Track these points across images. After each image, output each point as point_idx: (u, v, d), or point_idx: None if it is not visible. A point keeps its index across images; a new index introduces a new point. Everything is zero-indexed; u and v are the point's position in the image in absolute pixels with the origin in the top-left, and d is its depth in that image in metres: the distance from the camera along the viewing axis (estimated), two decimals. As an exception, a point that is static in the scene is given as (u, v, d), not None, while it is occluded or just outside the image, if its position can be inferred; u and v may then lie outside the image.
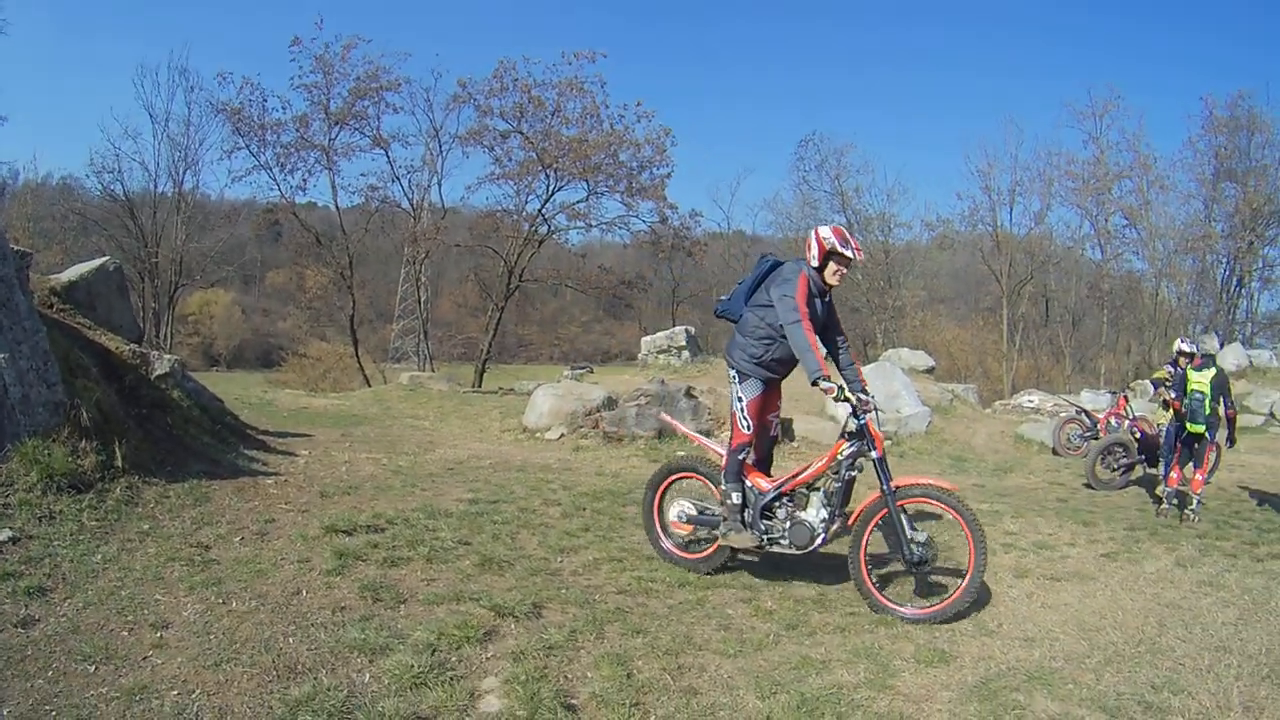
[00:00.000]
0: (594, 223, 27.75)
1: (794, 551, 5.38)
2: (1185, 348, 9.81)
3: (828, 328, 5.48)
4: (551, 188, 26.38)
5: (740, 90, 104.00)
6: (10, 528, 5.12)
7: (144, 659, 3.92)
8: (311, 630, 4.31)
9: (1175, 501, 8.80)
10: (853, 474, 5.26)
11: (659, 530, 6.06)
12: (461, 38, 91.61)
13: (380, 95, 26.32)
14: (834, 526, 5.29)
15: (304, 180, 26.83)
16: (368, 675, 3.89)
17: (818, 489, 5.39)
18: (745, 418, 5.46)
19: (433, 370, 27.35)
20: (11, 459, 5.68)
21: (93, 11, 74.27)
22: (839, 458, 5.24)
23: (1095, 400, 17.70)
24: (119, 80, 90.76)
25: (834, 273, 5.35)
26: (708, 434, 10.91)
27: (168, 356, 9.54)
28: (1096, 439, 11.89)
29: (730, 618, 4.94)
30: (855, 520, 5.26)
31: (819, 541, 5.30)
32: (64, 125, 74.76)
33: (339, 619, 4.47)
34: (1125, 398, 12.94)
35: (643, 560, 5.96)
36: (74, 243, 31.53)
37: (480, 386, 24.09)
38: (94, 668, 3.77)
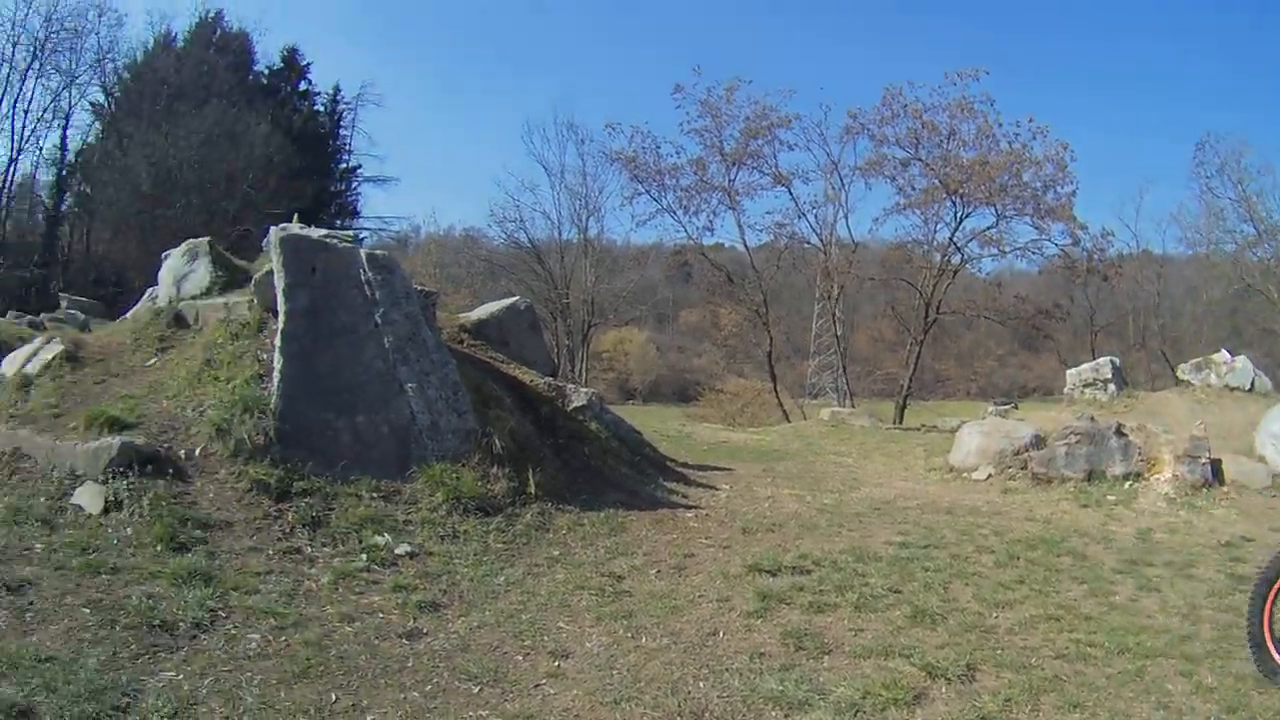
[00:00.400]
0: (1007, 249, 26.36)
1: None
2: None
3: None
4: (959, 214, 25.77)
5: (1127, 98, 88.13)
6: (409, 543, 5.62)
7: (535, 686, 3.87)
8: (725, 676, 4.10)
9: None
10: None
11: (1271, 647, 4.69)
12: (834, 68, 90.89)
13: (773, 133, 27.32)
14: None
15: (709, 221, 28.61)
16: (781, 730, 3.47)
17: None
18: None
19: (852, 406, 27.15)
20: (417, 480, 6.34)
21: (466, 78, 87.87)
22: None
23: None
24: (505, 138, 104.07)
25: None
26: (1137, 476, 9.87)
27: (584, 390, 10.23)
28: None
29: (1170, 695, 4.51)
30: None
31: None
32: (455, 183, 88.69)
33: (756, 666, 4.25)
34: None
35: (1080, 620, 5.53)
36: (482, 286, 36.48)
37: (901, 423, 23.50)
38: (478, 688, 3.77)
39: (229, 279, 8.82)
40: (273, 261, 6.98)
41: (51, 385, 7.25)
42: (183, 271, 8.95)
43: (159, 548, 5.08)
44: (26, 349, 8.17)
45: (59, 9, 34.26)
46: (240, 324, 7.47)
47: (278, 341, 6.62)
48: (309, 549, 5.39)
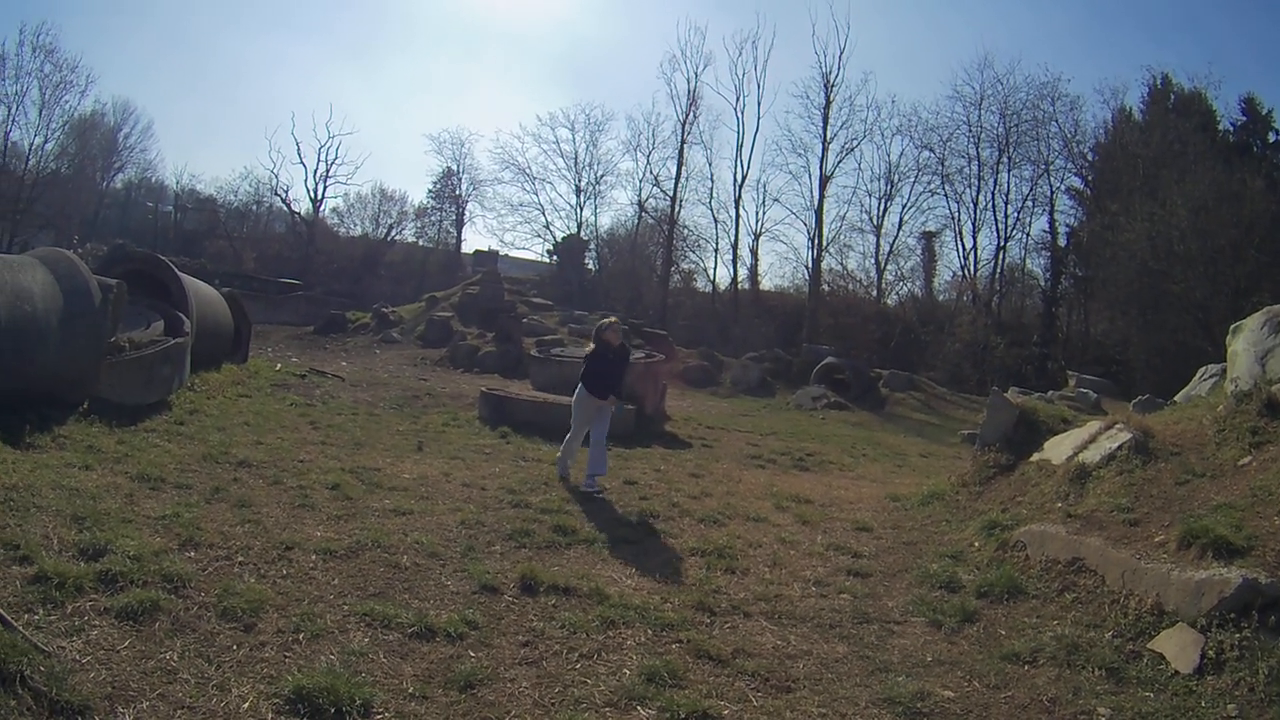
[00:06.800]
0: None
1: None
2: None
3: None
4: None
5: None
6: None
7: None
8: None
9: None
10: None
11: None
12: None
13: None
14: None
15: None
16: None
17: None
18: None
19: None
20: None
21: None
22: None
23: None
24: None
25: None
26: None
27: None
28: None
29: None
30: None
31: None
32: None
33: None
34: None
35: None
36: None
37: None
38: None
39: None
40: None
41: (1119, 481, 6.17)
42: (1266, 346, 7.05)
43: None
44: (1077, 433, 7.37)
45: (1011, 104, 37.54)
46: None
47: None
48: None
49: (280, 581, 4.88)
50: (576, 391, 8.40)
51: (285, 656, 3.95)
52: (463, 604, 4.85)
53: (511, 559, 5.75)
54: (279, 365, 16.88)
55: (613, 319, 8.83)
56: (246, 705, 3.45)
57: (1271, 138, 35.30)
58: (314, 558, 5.33)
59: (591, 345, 8.55)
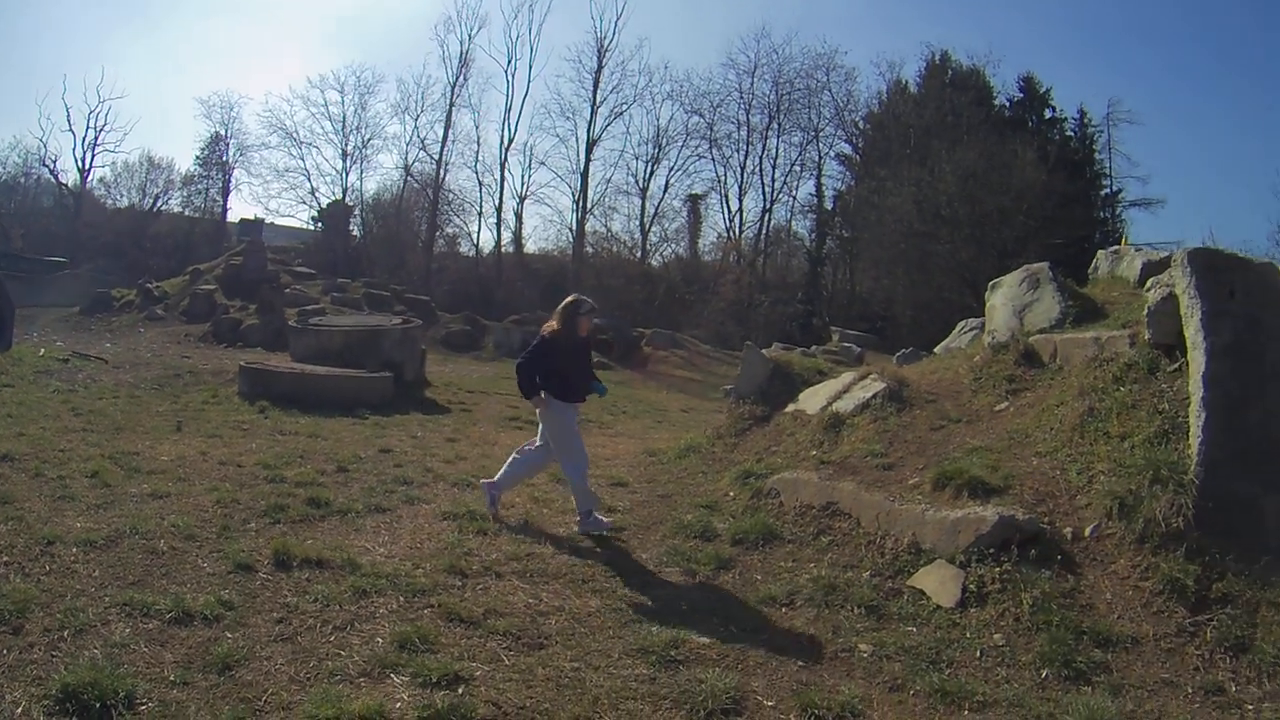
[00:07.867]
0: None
1: None
2: None
3: None
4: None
5: None
6: None
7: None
8: None
9: None
10: None
11: None
12: None
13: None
14: None
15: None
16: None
17: None
18: None
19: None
20: None
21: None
22: None
23: None
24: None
25: None
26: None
27: None
28: None
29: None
30: None
31: None
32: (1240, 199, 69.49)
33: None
34: None
35: None
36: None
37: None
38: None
39: (1079, 309, 7.44)
40: (1179, 285, 5.26)
41: (873, 429, 6.37)
42: (1024, 301, 7.72)
43: (1043, 672, 3.80)
44: (832, 384, 7.55)
45: (785, 73, 39.80)
46: (1123, 364, 5.73)
47: (1195, 389, 4.80)
48: (1232, 686, 3.79)
49: (44, 579, 4.54)
50: (543, 403, 5.97)
51: (53, 656, 3.72)
52: (218, 585, 4.62)
53: (266, 535, 5.47)
54: (43, 350, 15.53)
55: (588, 300, 6.17)
56: (20, 710, 3.27)
57: (1047, 114, 38.57)
58: (75, 550, 4.95)
59: (554, 326, 5.93)
